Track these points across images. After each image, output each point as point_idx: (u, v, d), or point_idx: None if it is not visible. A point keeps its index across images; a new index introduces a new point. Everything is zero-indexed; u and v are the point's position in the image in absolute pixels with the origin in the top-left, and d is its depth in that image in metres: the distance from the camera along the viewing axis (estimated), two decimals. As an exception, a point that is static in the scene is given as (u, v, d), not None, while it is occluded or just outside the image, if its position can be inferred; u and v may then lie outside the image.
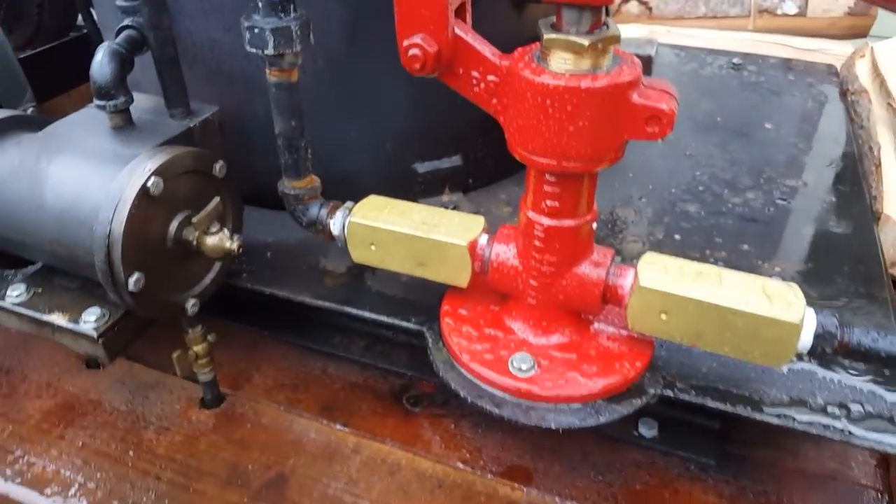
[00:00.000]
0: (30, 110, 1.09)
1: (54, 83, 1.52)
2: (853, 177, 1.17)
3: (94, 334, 0.75)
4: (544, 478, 0.85)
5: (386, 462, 0.86)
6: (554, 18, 0.62)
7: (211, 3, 0.87)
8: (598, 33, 0.61)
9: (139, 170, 0.69)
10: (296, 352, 1.03)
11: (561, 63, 0.61)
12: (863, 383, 0.77)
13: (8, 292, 0.80)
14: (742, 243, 1.00)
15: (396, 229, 0.78)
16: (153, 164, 0.70)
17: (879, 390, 0.76)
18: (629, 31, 1.84)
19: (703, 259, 0.96)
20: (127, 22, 0.83)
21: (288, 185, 0.83)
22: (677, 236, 1.01)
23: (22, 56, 1.43)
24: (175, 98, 0.84)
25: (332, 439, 0.89)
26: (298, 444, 0.89)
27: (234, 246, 0.76)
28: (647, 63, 1.14)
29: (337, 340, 1.02)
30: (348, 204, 0.84)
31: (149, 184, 0.69)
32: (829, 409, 0.74)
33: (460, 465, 0.86)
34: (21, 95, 1.07)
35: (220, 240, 0.76)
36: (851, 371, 0.78)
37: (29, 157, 0.77)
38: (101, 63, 0.78)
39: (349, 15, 0.87)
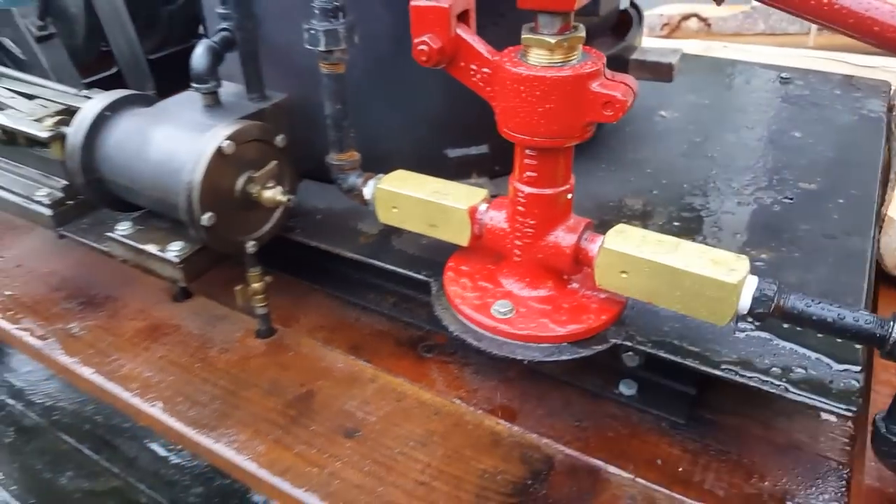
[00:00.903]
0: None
1: (178, 81, 1.82)
2: (868, 184, 1.22)
3: (176, 260, 0.97)
4: (526, 418, 0.98)
5: (395, 391, 1.03)
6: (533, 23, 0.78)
7: (284, 11, 1.08)
8: (566, 34, 0.76)
9: (217, 134, 0.91)
10: (336, 303, 1.22)
11: (536, 58, 0.76)
12: (812, 353, 0.85)
13: (117, 227, 1.04)
14: (737, 233, 1.09)
15: (413, 195, 0.95)
16: (227, 131, 0.91)
17: (827, 359, 0.84)
18: (686, 46, 1.92)
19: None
20: (223, 25, 1.07)
21: (333, 158, 1.03)
22: (676, 223, 1.12)
23: (152, 57, 1.73)
24: (253, 85, 1.06)
25: (354, 370, 1.07)
26: (327, 370, 1.07)
27: (285, 199, 0.96)
28: (668, 70, 1.24)
29: (371, 296, 1.20)
30: (379, 175, 1.02)
31: (223, 145, 0.90)
32: (773, 370, 0.83)
33: (456, 401, 1.01)
34: (145, 86, 1.33)
35: (273, 194, 0.96)
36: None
37: (141, 123, 1.00)
38: (199, 55, 1.01)
39: (393, 19, 1.05)
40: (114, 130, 1.01)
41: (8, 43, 1.59)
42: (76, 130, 1.01)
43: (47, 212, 1.12)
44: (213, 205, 0.92)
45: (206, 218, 0.91)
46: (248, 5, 1.01)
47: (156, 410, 1.02)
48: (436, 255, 1.04)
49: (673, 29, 2.04)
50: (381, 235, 1.11)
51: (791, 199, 1.19)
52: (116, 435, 1.92)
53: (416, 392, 1.03)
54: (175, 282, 1.01)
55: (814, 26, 1.92)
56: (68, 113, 1.15)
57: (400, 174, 1.00)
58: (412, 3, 0.80)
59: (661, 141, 1.35)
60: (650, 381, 0.99)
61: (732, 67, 1.73)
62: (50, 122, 1.09)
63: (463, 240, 0.94)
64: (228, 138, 0.91)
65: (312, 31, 0.91)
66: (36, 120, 1.12)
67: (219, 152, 0.90)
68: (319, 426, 0.98)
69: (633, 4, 1.37)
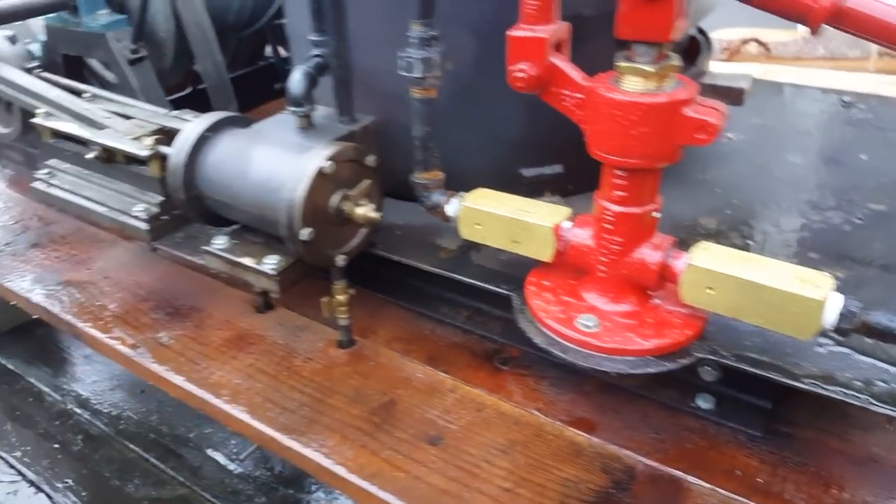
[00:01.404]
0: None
1: (245, 100, 1.91)
2: (938, 205, 1.23)
3: (273, 273, 1.03)
4: (605, 430, 1.01)
5: (474, 402, 1.07)
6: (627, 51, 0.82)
7: (374, 41, 1.13)
8: (662, 63, 0.80)
9: (318, 155, 0.97)
10: (412, 315, 1.26)
11: (631, 84, 0.81)
12: (892, 367, 0.87)
13: (214, 242, 1.11)
14: (811, 251, 1.12)
15: (497, 212, 0.99)
16: (328, 151, 0.97)
17: (910, 376, 0.86)
18: (746, 70, 1.95)
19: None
20: (316, 52, 1.14)
21: (418, 176, 1.08)
22: (750, 242, 1.14)
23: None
24: (344, 109, 1.12)
25: (433, 380, 1.11)
26: (407, 380, 1.12)
27: (377, 216, 1.01)
28: (739, 94, 1.27)
29: (444, 310, 1.25)
30: (461, 193, 1.06)
31: (324, 165, 0.96)
32: (855, 383, 0.85)
33: (535, 412, 1.05)
34: (229, 106, 1.41)
35: (366, 211, 1.02)
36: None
37: (240, 144, 1.07)
38: (297, 81, 1.07)
39: (478, 47, 1.11)
40: (214, 150, 1.08)
41: (96, 65, 1.69)
42: (179, 150, 1.08)
43: (144, 226, 1.19)
44: (311, 221, 0.97)
45: (305, 233, 0.97)
46: (345, 34, 1.07)
47: (246, 416, 1.08)
48: (514, 270, 1.08)
49: (733, 53, 2.07)
50: (459, 251, 1.16)
51: (861, 219, 1.20)
52: (181, 444, 1.99)
53: (495, 403, 1.07)
54: (269, 293, 1.07)
55: (874, 51, 1.93)
56: (164, 133, 1.23)
57: (482, 192, 1.05)
58: (510, 34, 0.85)
59: (730, 162, 1.38)
60: (726, 395, 1.01)
61: (794, 91, 1.75)
62: (149, 141, 1.16)
63: (546, 256, 0.98)
64: (329, 158, 0.96)
65: (409, 59, 0.96)
66: (134, 139, 1.20)
67: (319, 172, 0.96)
68: (403, 433, 1.02)
69: (700, 31, 1.41)
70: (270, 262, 1.04)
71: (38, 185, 1.35)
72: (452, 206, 1.05)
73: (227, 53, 1.96)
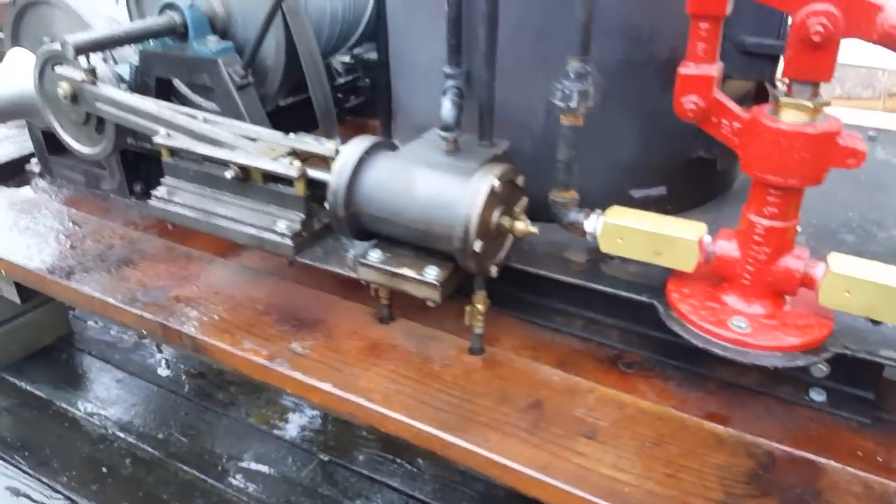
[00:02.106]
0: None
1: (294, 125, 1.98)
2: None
3: (435, 283, 1.12)
4: (738, 422, 1.14)
5: (615, 401, 1.18)
6: (785, 88, 0.96)
7: (507, 77, 1.24)
8: (816, 99, 0.94)
9: (489, 174, 1.07)
10: (528, 326, 1.36)
11: (792, 116, 0.95)
12: None
13: (370, 255, 1.18)
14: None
15: (641, 227, 1.12)
16: (498, 171, 1.07)
17: None
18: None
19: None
20: (451, 83, 1.25)
21: (558, 196, 1.19)
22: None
23: (283, 104, 1.89)
24: (485, 134, 1.22)
25: (569, 383, 1.21)
26: (547, 382, 1.21)
27: (535, 230, 1.12)
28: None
29: (559, 319, 1.35)
30: (597, 210, 1.18)
31: (495, 184, 1.06)
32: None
33: (672, 409, 1.16)
34: (333, 132, 1.49)
35: (525, 225, 1.12)
36: None
37: (400, 165, 1.16)
38: (448, 108, 1.18)
39: (604, 82, 1.23)
40: (373, 171, 1.16)
41: (183, 88, 1.74)
42: (341, 171, 1.16)
43: (288, 242, 1.25)
44: (482, 235, 1.07)
45: (478, 246, 1.06)
46: (493, 68, 1.18)
47: (404, 417, 1.15)
48: (646, 281, 1.21)
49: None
50: (589, 263, 1.27)
51: (919, 236, 1.38)
52: (233, 462, 2.02)
53: (634, 401, 1.18)
54: (431, 301, 1.15)
55: (884, 92, 2.18)
56: (295, 154, 1.31)
57: (618, 210, 1.17)
58: (682, 71, 0.99)
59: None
60: (835, 388, 1.15)
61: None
62: (296, 163, 1.24)
63: (689, 266, 1.10)
64: (499, 178, 1.07)
65: (567, 91, 1.08)
66: (274, 159, 1.27)
67: (492, 190, 1.06)
68: (559, 429, 1.12)
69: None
70: (432, 273, 1.13)
71: (156, 202, 1.39)
72: (592, 223, 1.17)
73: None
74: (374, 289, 1.29)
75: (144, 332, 1.44)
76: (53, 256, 1.60)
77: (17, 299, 2.33)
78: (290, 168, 1.23)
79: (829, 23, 0.84)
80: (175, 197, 1.38)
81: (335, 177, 1.16)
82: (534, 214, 1.19)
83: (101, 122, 1.61)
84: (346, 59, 2.19)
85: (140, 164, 1.85)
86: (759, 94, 1.48)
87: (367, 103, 2.21)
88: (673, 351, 1.23)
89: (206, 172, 1.35)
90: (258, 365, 1.28)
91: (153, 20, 1.48)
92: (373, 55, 1.98)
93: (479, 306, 1.22)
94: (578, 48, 1.07)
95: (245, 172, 1.30)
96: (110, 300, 1.44)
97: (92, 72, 1.48)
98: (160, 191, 1.39)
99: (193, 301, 1.44)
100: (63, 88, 1.51)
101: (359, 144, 1.18)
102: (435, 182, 1.12)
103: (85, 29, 1.68)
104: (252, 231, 1.29)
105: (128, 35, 1.46)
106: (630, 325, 1.28)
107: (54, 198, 1.92)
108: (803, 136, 0.93)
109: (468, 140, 1.24)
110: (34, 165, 2.06)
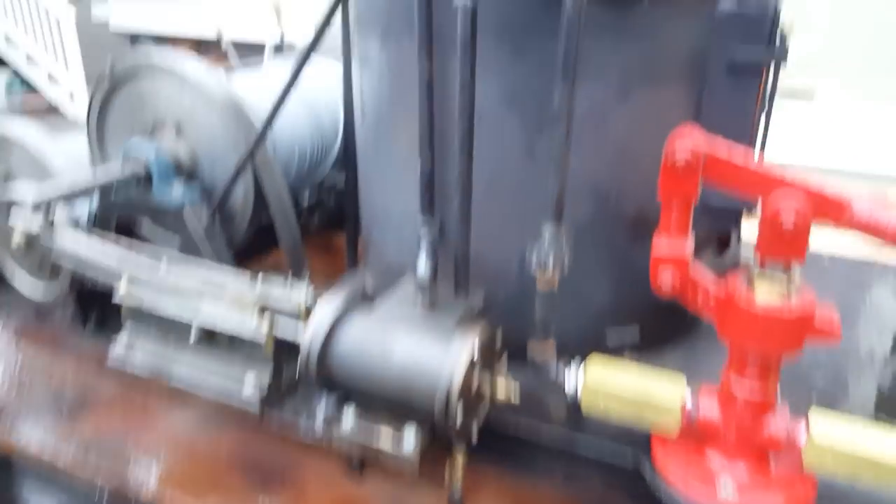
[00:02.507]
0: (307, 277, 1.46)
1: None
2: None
3: (413, 458, 1.07)
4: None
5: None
6: (758, 260, 0.98)
7: (481, 230, 1.25)
8: (791, 279, 0.96)
9: (468, 338, 1.05)
10: (507, 474, 1.30)
11: (765, 294, 0.97)
12: None
13: (343, 423, 1.13)
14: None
15: (622, 394, 1.10)
16: (476, 333, 1.06)
17: None
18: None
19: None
20: (425, 232, 1.25)
21: (536, 348, 1.18)
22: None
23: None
24: (461, 286, 1.22)
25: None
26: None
27: (514, 395, 1.09)
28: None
29: (539, 468, 1.31)
30: (576, 363, 1.16)
31: (474, 356, 1.04)
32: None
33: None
34: (302, 270, 1.47)
35: (506, 389, 1.10)
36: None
37: (375, 328, 1.13)
38: (424, 264, 1.17)
39: (577, 238, 1.25)
40: (347, 335, 1.13)
41: (145, 224, 1.70)
42: (314, 337, 1.12)
43: (255, 401, 1.20)
44: (464, 403, 1.04)
45: (460, 416, 1.03)
46: (469, 222, 1.18)
47: None
48: (631, 432, 1.19)
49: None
50: (571, 411, 1.25)
51: None
52: None
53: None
54: (406, 471, 1.10)
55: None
56: (265, 309, 1.27)
57: (597, 365, 1.15)
58: (656, 254, 1.01)
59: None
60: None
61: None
62: (265, 323, 1.20)
63: (672, 432, 1.09)
64: (478, 340, 1.05)
65: (542, 256, 1.09)
66: (240, 314, 1.23)
67: (472, 356, 1.04)
68: None
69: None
70: (409, 442, 1.09)
71: (117, 352, 1.32)
72: (572, 382, 1.15)
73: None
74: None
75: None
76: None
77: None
78: (257, 331, 1.19)
79: (799, 216, 0.87)
80: (136, 348, 1.31)
81: (308, 343, 1.12)
82: (510, 358, 1.18)
83: (55, 266, 1.55)
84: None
85: (95, 296, 1.77)
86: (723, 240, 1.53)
87: (330, 220, 2.19)
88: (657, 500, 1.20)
89: (169, 325, 1.29)
90: (225, 530, 1.20)
91: (116, 167, 1.46)
92: (340, 183, 1.97)
93: (460, 460, 1.18)
94: (552, 214, 1.08)
95: (210, 335, 1.25)
96: (57, 451, 1.35)
97: (50, 223, 1.43)
98: (120, 342, 1.32)
99: (153, 452, 1.36)
100: (17, 238, 1.44)
101: (331, 305, 1.15)
102: (412, 346, 1.09)
103: (39, 166, 1.64)
104: (220, 387, 1.23)
105: (91, 185, 1.42)
106: (613, 476, 1.25)
107: (4, 330, 1.82)
108: (780, 320, 0.95)
109: (443, 292, 1.22)
110: (-18, 293, 1.96)
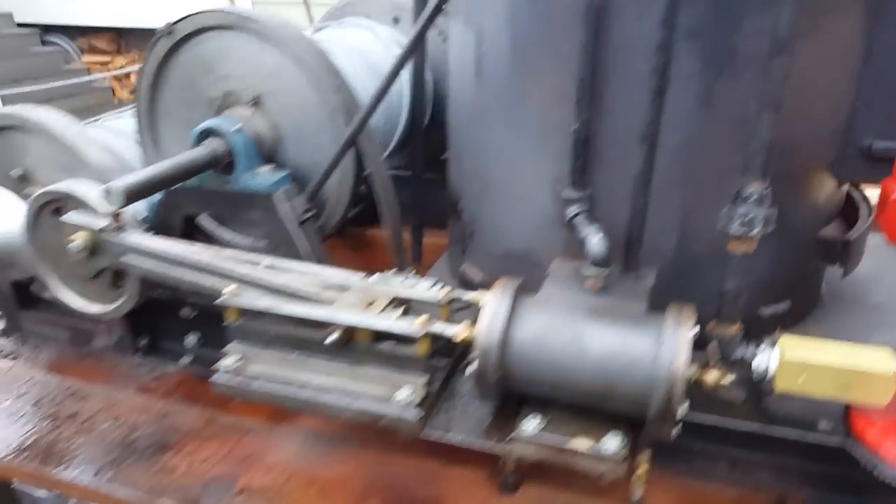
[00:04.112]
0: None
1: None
2: None
3: (620, 458, 0.94)
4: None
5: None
6: None
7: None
8: None
9: (683, 324, 0.93)
10: (669, 474, 1.19)
11: None
12: None
13: (524, 426, 0.99)
14: None
15: (827, 364, 1.00)
16: (688, 317, 0.94)
17: None
18: None
19: None
20: (576, 209, 1.12)
21: (721, 330, 1.07)
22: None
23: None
24: (632, 264, 1.10)
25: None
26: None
27: (729, 379, 0.98)
28: None
29: (700, 464, 1.20)
30: (765, 343, 1.06)
31: (694, 331, 0.92)
32: None
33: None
34: (403, 263, 1.32)
35: (719, 376, 0.98)
36: None
37: (557, 316, 0.99)
38: (599, 241, 1.04)
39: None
40: (525, 326, 0.99)
41: (207, 224, 1.50)
42: (490, 328, 0.98)
43: (414, 415, 1.03)
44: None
45: (682, 409, 0.91)
46: (648, 193, 1.06)
47: None
48: (816, 415, 1.10)
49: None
50: (749, 398, 1.14)
51: None
52: None
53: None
54: (608, 479, 0.96)
55: None
56: (399, 302, 1.11)
57: (791, 342, 1.05)
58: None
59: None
60: None
61: None
62: (418, 320, 1.04)
63: (883, 401, 0.99)
64: (692, 326, 0.93)
65: (748, 217, 0.98)
66: (379, 314, 1.07)
67: (691, 343, 0.92)
68: None
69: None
70: (612, 444, 0.96)
71: (225, 377, 1.13)
72: (764, 359, 1.05)
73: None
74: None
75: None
76: (63, 449, 1.27)
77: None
78: (411, 326, 1.03)
79: None
80: (250, 368, 1.12)
81: (485, 334, 0.98)
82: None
83: (118, 274, 1.33)
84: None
85: (144, 312, 1.55)
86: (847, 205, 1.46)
87: (365, 212, 2.01)
88: (842, 486, 1.12)
89: (289, 335, 1.12)
90: (386, 572, 1.03)
91: (197, 153, 1.25)
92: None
93: (644, 468, 1.05)
94: (758, 169, 0.97)
95: (348, 333, 1.08)
96: (158, 507, 1.14)
97: (116, 217, 1.22)
98: (228, 361, 1.13)
99: (269, 491, 1.17)
100: (79, 240, 1.23)
101: (504, 294, 1.01)
102: (610, 335, 0.96)
103: (73, 159, 1.42)
104: (364, 404, 1.06)
105: (173, 174, 1.22)
106: (787, 464, 1.16)
107: (33, 364, 1.57)
108: None
109: (611, 273, 1.10)
110: (-6, 323, 1.70)
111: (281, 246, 1.32)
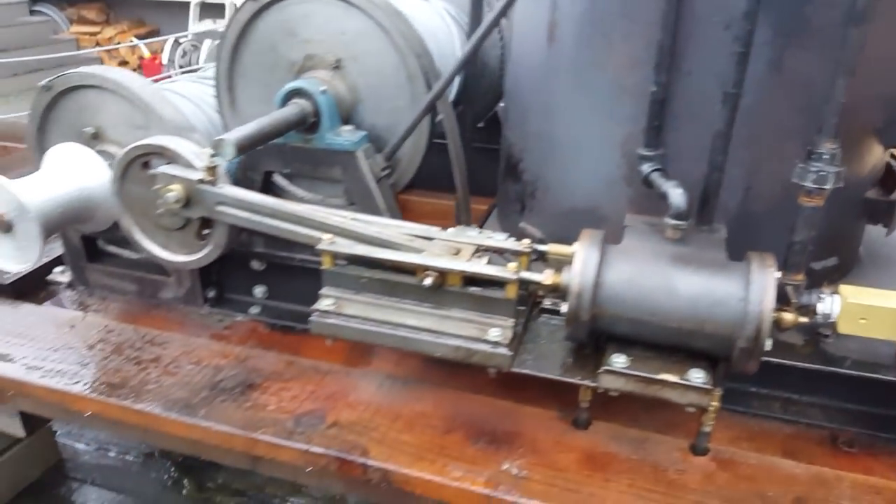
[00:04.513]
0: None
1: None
2: None
3: (708, 386, 1.04)
4: None
5: (866, 485, 1.13)
6: None
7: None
8: None
9: (767, 266, 1.02)
10: (725, 413, 1.29)
11: None
12: None
13: (614, 361, 1.08)
14: None
15: (889, 305, 1.10)
16: (771, 262, 1.03)
17: None
18: None
19: None
20: (652, 166, 1.20)
21: (792, 278, 1.16)
22: None
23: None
24: (706, 218, 1.18)
25: (811, 472, 1.16)
26: (791, 477, 1.15)
27: (804, 318, 1.07)
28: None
29: (755, 404, 1.31)
30: (824, 291, 1.16)
31: (777, 275, 1.01)
32: None
33: (919, 485, 1.14)
34: (468, 214, 1.39)
35: (794, 315, 1.07)
36: None
37: (646, 261, 1.08)
38: (680, 194, 1.12)
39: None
40: (614, 270, 1.07)
41: (281, 181, 1.56)
42: (584, 271, 1.06)
43: (505, 352, 1.12)
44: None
45: (769, 344, 1.00)
46: (726, 150, 1.14)
47: (680, 539, 1.04)
48: (875, 357, 1.20)
49: None
50: (809, 343, 1.24)
51: None
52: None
53: (886, 484, 1.14)
54: (694, 408, 1.06)
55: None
56: (485, 251, 1.19)
57: (850, 289, 1.14)
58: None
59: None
60: None
61: None
62: (511, 265, 1.12)
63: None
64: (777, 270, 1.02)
65: (822, 173, 1.06)
66: (474, 262, 1.15)
67: (774, 283, 1.01)
68: (835, 522, 1.06)
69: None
70: (699, 376, 1.05)
71: (321, 317, 1.20)
72: (827, 304, 1.14)
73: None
74: (581, 392, 1.19)
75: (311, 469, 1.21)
76: (155, 390, 1.33)
77: (20, 432, 1.95)
78: (506, 272, 1.11)
79: None
80: (345, 309, 1.20)
81: (579, 277, 1.06)
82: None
83: (204, 226, 1.39)
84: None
85: (213, 265, 1.61)
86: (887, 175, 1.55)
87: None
88: (890, 423, 1.23)
89: (382, 280, 1.19)
90: (480, 496, 1.12)
91: (289, 111, 1.31)
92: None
93: (715, 404, 1.14)
94: (832, 130, 1.06)
95: (441, 278, 1.15)
96: (261, 437, 1.21)
97: (213, 170, 1.28)
98: (324, 304, 1.20)
99: (358, 425, 1.25)
100: (175, 191, 1.29)
101: (594, 242, 1.09)
102: (698, 278, 1.05)
103: (147, 117, 1.47)
104: (457, 342, 1.14)
105: (271, 130, 1.28)
106: (841, 403, 1.26)
107: (105, 314, 1.62)
108: None
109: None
110: (60, 275, 1.74)
111: (358, 202, 1.39)
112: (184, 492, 2.18)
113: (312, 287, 1.51)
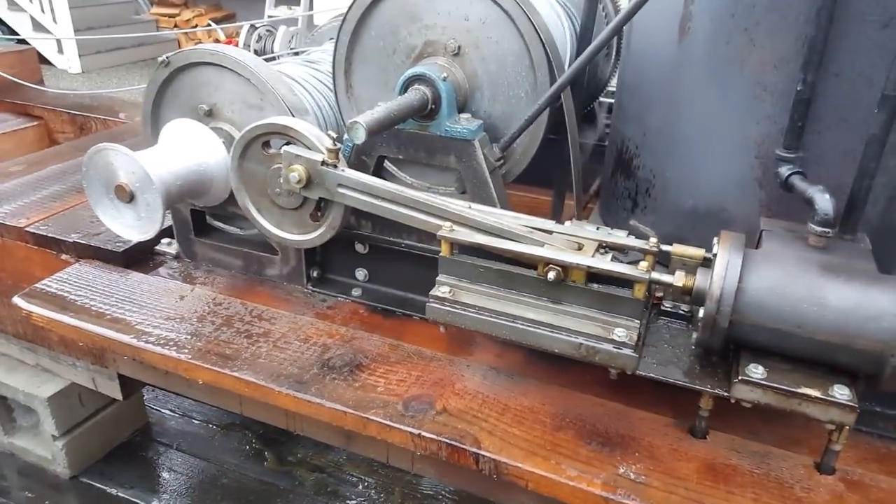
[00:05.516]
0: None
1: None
2: None
3: (852, 404, 0.98)
4: None
5: None
6: None
7: (846, 162, 1.15)
8: None
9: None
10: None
11: None
12: None
13: (750, 371, 1.04)
14: None
15: None
16: (932, 278, 0.96)
17: None
18: None
19: None
20: (792, 169, 1.14)
21: None
22: None
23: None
24: (851, 227, 1.12)
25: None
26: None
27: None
28: None
29: (881, 424, 1.24)
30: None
31: (935, 293, 0.95)
32: None
33: None
34: (583, 207, 1.35)
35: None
36: None
37: (791, 269, 1.03)
38: (828, 201, 1.06)
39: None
40: (756, 276, 1.03)
41: (389, 167, 1.56)
42: (726, 275, 1.02)
43: (631, 353, 1.09)
44: (919, 354, 0.95)
45: (915, 364, 0.94)
46: (880, 155, 1.07)
47: (810, 561, 0.99)
48: None
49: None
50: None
51: None
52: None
53: None
54: (834, 425, 1.01)
55: None
56: (607, 248, 1.17)
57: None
58: None
59: None
60: None
61: None
62: (643, 264, 1.09)
63: None
64: (934, 289, 0.95)
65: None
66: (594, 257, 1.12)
67: (934, 300, 0.94)
68: None
69: None
70: (843, 393, 1.00)
71: (437, 303, 1.20)
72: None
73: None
74: (703, 399, 1.15)
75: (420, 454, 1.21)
76: (267, 364, 1.36)
77: (118, 395, 2.04)
78: (637, 271, 1.08)
79: None
80: (461, 298, 1.19)
81: (720, 281, 1.02)
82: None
83: (319, 207, 1.40)
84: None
85: (317, 247, 1.63)
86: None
87: None
88: None
89: (500, 271, 1.18)
90: (597, 497, 1.09)
91: (410, 97, 1.30)
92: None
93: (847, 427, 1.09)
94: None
95: (564, 272, 1.13)
96: (374, 417, 1.22)
97: (335, 153, 1.29)
98: (440, 290, 1.20)
99: (467, 414, 1.24)
100: (297, 171, 1.30)
101: (735, 243, 1.05)
102: (849, 290, 0.99)
103: (264, 97, 1.49)
104: (579, 340, 1.12)
105: (397, 114, 1.28)
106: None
107: (211, 287, 1.66)
108: None
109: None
110: (167, 247, 1.80)
111: (472, 191, 1.38)
112: (265, 464, 2.24)
113: (414, 273, 1.51)
